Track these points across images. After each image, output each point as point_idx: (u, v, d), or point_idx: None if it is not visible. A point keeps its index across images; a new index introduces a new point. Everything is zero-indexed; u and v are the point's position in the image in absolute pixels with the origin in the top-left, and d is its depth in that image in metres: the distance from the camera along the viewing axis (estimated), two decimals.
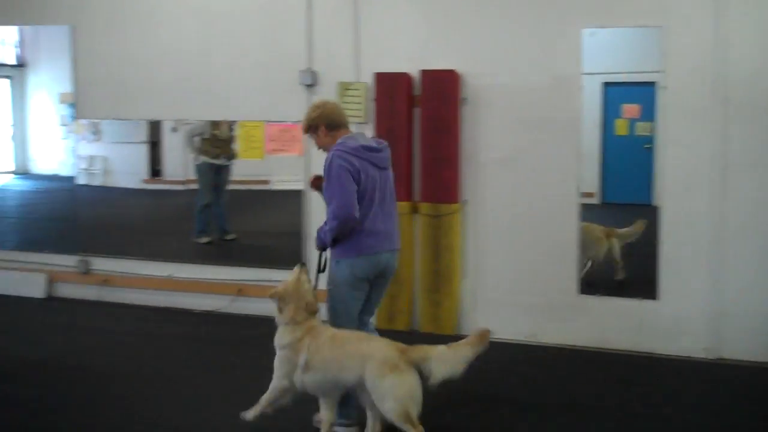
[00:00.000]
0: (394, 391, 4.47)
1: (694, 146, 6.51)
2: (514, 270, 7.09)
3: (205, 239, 8.66)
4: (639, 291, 6.87)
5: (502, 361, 6.54)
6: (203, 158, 8.51)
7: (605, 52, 8.42)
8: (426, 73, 7.10)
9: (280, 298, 4.83)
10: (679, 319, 6.62)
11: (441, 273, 7.13)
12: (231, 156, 8.39)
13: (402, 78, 7.17)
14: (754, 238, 6.45)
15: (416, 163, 7.25)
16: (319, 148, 5.10)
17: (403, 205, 7.15)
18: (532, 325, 7.02)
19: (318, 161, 7.38)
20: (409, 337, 6.91)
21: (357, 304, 5.03)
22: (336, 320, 4.98)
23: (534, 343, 6.99)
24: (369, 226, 4.87)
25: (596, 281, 7.26)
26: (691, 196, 6.55)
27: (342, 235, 4.82)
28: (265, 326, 7.32)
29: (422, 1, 7.26)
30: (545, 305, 6.99)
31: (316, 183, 5.13)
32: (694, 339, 6.59)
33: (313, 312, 4.83)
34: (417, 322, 7.29)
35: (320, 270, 5.09)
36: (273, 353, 4.92)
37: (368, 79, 7.32)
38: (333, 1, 7.46)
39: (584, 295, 6.94)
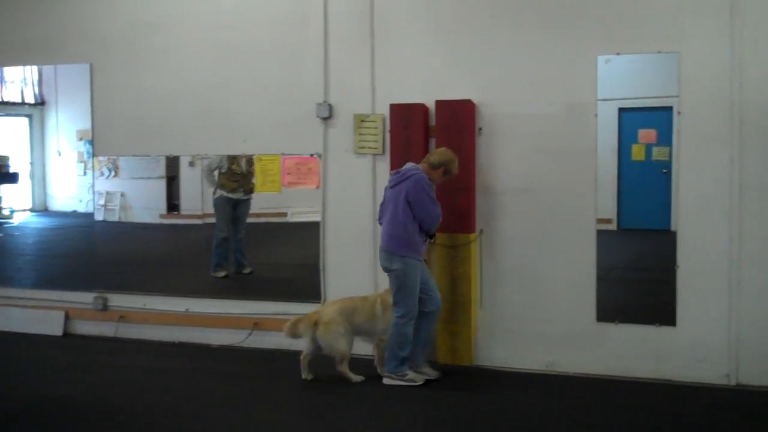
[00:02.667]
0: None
1: (710, 171, 6.51)
2: (531, 299, 7.05)
3: (222, 273, 8.66)
4: (657, 317, 6.80)
5: (520, 391, 6.52)
6: (221, 192, 8.53)
7: (620, 78, 8.42)
8: (441, 104, 7.14)
9: None
10: (697, 346, 6.58)
11: (458, 303, 7.09)
12: (249, 190, 8.41)
13: (417, 109, 7.21)
14: None
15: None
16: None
17: None
18: (551, 354, 6.97)
19: (334, 193, 7.56)
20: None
21: None
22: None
23: (552, 373, 6.93)
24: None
25: (614, 308, 7.19)
26: (707, 220, 6.53)
27: None
28: (282, 360, 7.39)
29: (436, 32, 7.32)
30: (563, 334, 6.95)
31: None
32: (713, 365, 6.54)
33: None
34: (434, 353, 7.23)
35: None
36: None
37: (384, 110, 7.37)
38: (349, 34, 7.54)
39: (602, 323, 6.89)
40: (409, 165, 6.67)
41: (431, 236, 6.83)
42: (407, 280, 6.54)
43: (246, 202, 8.51)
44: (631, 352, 6.79)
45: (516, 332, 7.09)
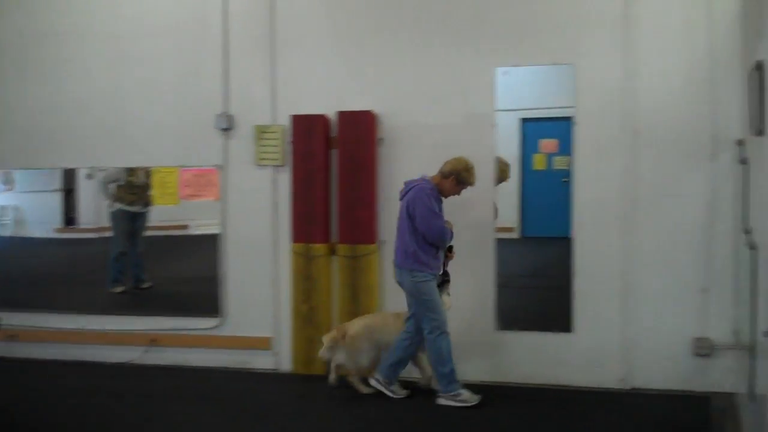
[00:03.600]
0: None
1: (606, 179, 6.66)
2: None
3: (119, 288, 8.45)
4: (555, 324, 6.92)
5: (418, 401, 6.53)
6: (118, 205, 8.34)
7: (523, 89, 8.57)
8: (342, 115, 7.12)
9: None
10: (593, 351, 6.72)
11: (359, 315, 7.03)
12: (147, 203, 8.23)
13: (318, 120, 7.18)
14: (663, 269, 6.60)
15: (334, 205, 7.23)
16: None
17: (321, 247, 7.18)
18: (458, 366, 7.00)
19: (234, 205, 7.45)
20: (327, 381, 6.82)
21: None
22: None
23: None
24: None
25: (514, 316, 7.27)
26: (602, 228, 6.69)
27: None
28: (182, 377, 7.23)
29: (338, 43, 7.31)
30: (463, 343, 6.92)
31: None
32: (608, 370, 6.68)
33: None
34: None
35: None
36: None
37: (285, 121, 7.31)
38: (249, 44, 7.46)
39: (502, 331, 6.97)
40: (420, 176, 6.45)
41: (449, 249, 6.55)
42: (422, 295, 6.30)
43: (144, 215, 8.33)
44: (530, 358, 6.88)
45: None
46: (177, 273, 8.71)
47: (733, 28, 6.33)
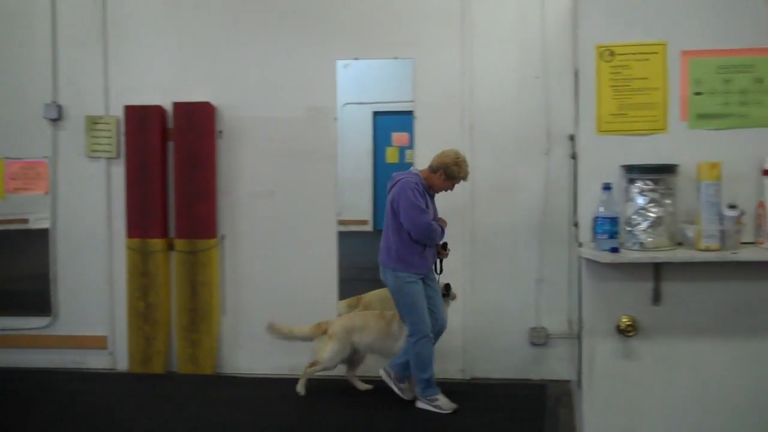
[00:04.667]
0: None
1: None
2: (275, 303, 6.94)
3: None
4: None
5: (262, 397, 6.44)
6: None
7: (374, 82, 8.54)
8: (179, 106, 6.91)
9: None
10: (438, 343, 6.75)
11: (198, 311, 6.90)
12: None
13: (154, 111, 6.93)
14: (500, 261, 6.72)
15: (171, 199, 7.01)
16: None
17: (158, 242, 6.95)
18: (294, 358, 6.90)
19: (66, 198, 7.12)
20: (166, 380, 6.63)
21: None
22: None
23: (295, 377, 6.88)
24: None
25: None
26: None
27: None
28: (12, 380, 6.86)
29: (175, 33, 7.08)
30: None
31: None
32: (449, 361, 6.73)
33: None
34: (174, 364, 7.01)
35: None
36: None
37: (119, 112, 7.03)
38: (80, 32, 7.13)
39: None
40: (409, 169, 6.08)
41: (444, 247, 6.15)
42: (402, 297, 5.93)
43: None
44: None
45: (259, 338, 6.90)
46: (10, 270, 8.20)
47: (564, 26, 6.47)
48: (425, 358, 5.94)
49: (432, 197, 6.02)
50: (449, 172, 5.86)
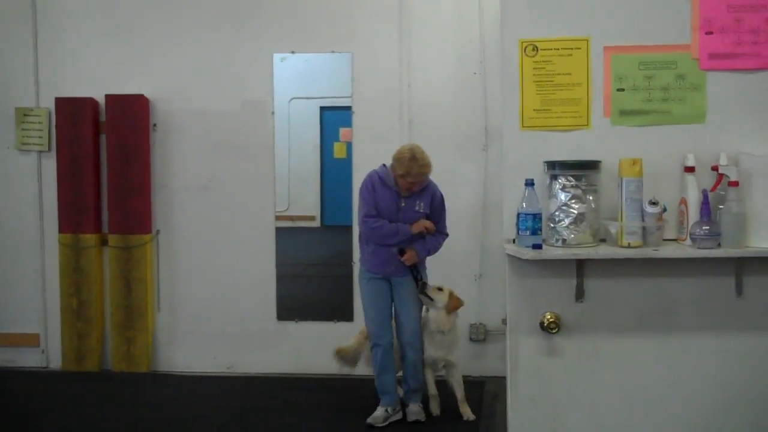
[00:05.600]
0: None
1: None
2: (211, 299, 6.91)
3: None
4: (336, 314, 6.91)
5: (198, 395, 6.35)
6: None
7: (321, 77, 8.48)
8: (112, 98, 6.80)
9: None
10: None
11: (133, 308, 6.81)
12: None
13: (86, 103, 6.82)
14: (437, 257, 6.56)
15: (104, 193, 6.90)
16: (415, 189, 5.59)
17: (91, 238, 6.85)
18: (231, 355, 6.86)
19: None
20: (101, 378, 6.52)
21: None
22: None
23: (233, 375, 6.83)
24: None
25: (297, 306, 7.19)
26: None
27: None
28: None
29: (108, 22, 6.95)
30: (244, 334, 6.87)
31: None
32: None
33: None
34: (109, 362, 6.91)
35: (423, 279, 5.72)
36: None
37: (50, 104, 6.89)
38: (8, 21, 6.99)
39: (283, 321, 6.89)
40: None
41: (400, 252, 5.56)
42: (361, 294, 5.79)
43: None
44: (311, 348, 6.80)
45: (196, 334, 6.91)
46: None
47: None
48: (376, 364, 5.64)
49: (404, 195, 5.60)
50: (395, 167, 5.56)
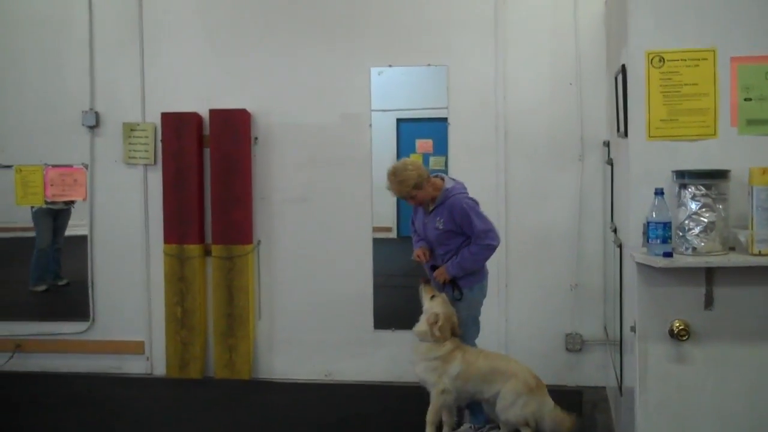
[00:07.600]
0: (525, 408, 5.21)
1: (479, 178, 6.62)
2: (310, 309, 7.02)
3: (42, 287, 8.16)
4: None
5: (298, 402, 6.48)
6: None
7: (398, 89, 8.60)
8: (215, 113, 6.96)
9: (441, 322, 5.32)
10: None
11: (235, 316, 6.95)
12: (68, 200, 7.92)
13: (191, 118, 6.99)
14: (535, 267, 6.75)
15: (207, 205, 7.07)
16: (421, 202, 5.54)
17: (195, 248, 7.02)
18: (329, 363, 6.98)
19: (103, 205, 7.18)
20: (203, 384, 6.67)
21: None
22: (469, 340, 5.56)
23: (330, 382, 6.94)
24: None
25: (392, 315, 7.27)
26: None
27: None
28: (50, 384, 6.92)
29: (211, 40, 7.13)
30: (341, 343, 6.98)
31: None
32: None
33: (456, 332, 5.40)
34: (211, 369, 7.07)
35: (458, 299, 5.52)
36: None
37: (156, 119, 7.09)
38: (117, 39, 7.22)
39: (379, 330, 6.97)
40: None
41: (432, 268, 5.65)
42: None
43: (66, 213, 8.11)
44: (407, 357, 6.84)
45: (295, 343, 7.03)
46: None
47: (598, 33, 6.51)
48: None
49: (427, 210, 5.59)
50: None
